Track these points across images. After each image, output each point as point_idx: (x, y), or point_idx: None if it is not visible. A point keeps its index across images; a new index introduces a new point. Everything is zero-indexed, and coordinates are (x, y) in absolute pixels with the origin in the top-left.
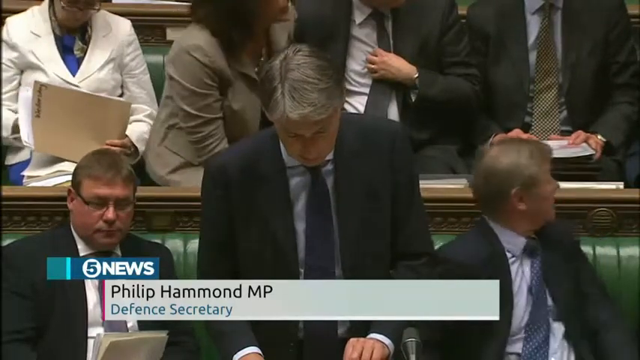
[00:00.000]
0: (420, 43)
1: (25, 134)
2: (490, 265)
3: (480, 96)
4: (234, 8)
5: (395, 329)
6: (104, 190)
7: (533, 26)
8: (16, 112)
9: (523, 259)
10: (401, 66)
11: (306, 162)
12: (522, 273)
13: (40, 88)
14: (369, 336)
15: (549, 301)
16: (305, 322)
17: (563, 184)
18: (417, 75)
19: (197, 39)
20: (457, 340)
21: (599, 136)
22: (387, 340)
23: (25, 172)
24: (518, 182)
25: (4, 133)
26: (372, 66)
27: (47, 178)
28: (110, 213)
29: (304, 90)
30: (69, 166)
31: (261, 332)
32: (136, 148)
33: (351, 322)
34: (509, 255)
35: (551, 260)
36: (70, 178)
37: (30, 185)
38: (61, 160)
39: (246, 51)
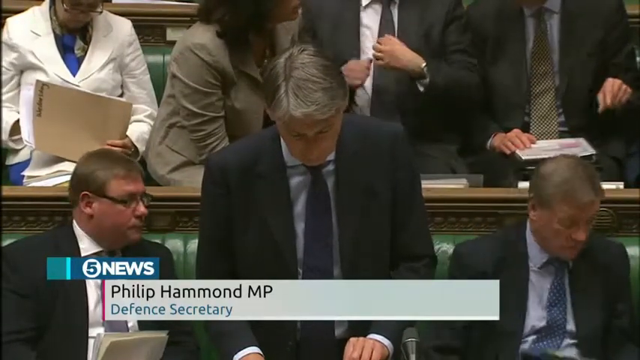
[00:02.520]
0: (425, 30)
1: (26, 133)
2: (508, 268)
3: (480, 87)
4: (252, 9)
5: (394, 330)
6: (132, 186)
7: (531, 29)
8: (17, 112)
9: (545, 272)
10: (409, 55)
11: (308, 162)
12: (541, 287)
13: (41, 87)
14: (368, 336)
15: (569, 322)
16: (302, 322)
17: None
18: (424, 64)
19: (201, 38)
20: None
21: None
22: (386, 341)
23: (25, 172)
24: (535, 197)
25: (4, 136)
26: (379, 54)
27: (47, 178)
28: (142, 207)
29: (308, 89)
30: (69, 166)
31: (260, 333)
32: (136, 148)
33: (349, 322)
34: (531, 265)
35: (584, 287)
36: (69, 177)
37: (30, 185)
38: (61, 160)
39: (250, 51)
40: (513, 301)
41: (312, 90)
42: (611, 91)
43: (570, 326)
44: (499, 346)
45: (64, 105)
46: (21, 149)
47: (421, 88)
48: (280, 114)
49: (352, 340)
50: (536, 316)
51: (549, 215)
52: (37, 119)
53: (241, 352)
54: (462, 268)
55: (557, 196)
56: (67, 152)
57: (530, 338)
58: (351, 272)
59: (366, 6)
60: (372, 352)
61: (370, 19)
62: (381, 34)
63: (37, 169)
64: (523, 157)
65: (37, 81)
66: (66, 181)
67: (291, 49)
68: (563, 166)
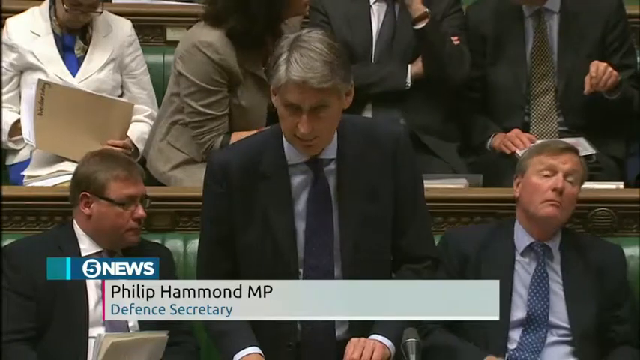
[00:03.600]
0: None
1: (27, 132)
2: (493, 254)
3: (468, 70)
4: (264, 14)
5: (396, 331)
6: (132, 189)
7: (530, 30)
8: (17, 113)
9: (529, 259)
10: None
11: (303, 146)
12: (525, 276)
13: (43, 86)
14: (370, 337)
15: (554, 314)
16: (303, 323)
17: None
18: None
19: (208, 36)
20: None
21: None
22: (387, 342)
23: (25, 172)
24: (518, 174)
25: (3, 137)
26: None
27: (47, 178)
28: (141, 210)
29: (309, 57)
30: (69, 166)
31: (260, 333)
32: (136, 148)
33: (349, 323)
34: (516, 252)
35: (576, 283)
36: (69, 178)
37: (30, 185)
38: (61, 159)
39: (256, 51)
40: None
41: (312, 59)
42: (596, 74)
43: (562, 322)
44: (487, 334)
45: (66, 104)
46: (21, 149)
47: (420, 25)
48: (278, 79)
49: (353, 340)
50: (519, 306)
51: (528, 176)
52: (38, 118)
53: (242, 351)
54: (445, 249)
55: (532, 154)
56: (67, 152)
57: (516, 332)
58: (352, 272)
59: (373, 3)
60: (372, 352)
61: (374, 15)
62: (381, 29)
63: (37, 169)
64: None
65: (39, 80)
66: (66, 181)
67: (302, 31)
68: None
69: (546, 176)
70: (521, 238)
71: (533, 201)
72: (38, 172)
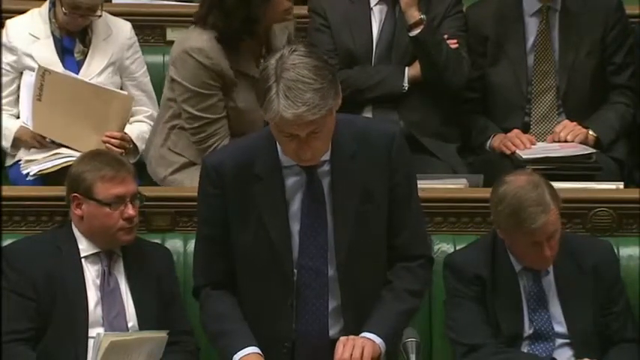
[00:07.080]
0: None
1: (26, 116)
2: (499, 271)
3: (465, 74)
4: (243, 15)
5: (387, 328)
6: (120, 188)
7: (532, 28)
8: (16, 116)
9: (525, 277)
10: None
11: (302, 162)
12: (523, 289)
13: (43, 72)
14: (361, 335)
15: (558, 324)
16: (297, 323)
17: (563, 184)
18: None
19: (198, 41)
20: None
21: (591, 132)
22: (378, 339)
23: (23, 157)
24: (494, 222)
25: (4, 144)
26: None
27: (44, 162)
28: (131, 209)
29: (298, 89)
30: (66, 150)
31: (256, 334)
32: (135, 146)
33: (343, 322)
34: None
35: (572, 287)
36: (67, 160)
37: (27, 170)
38: (58, 145)
39: (247, 52)
40: (509, 303)
41: (302, 91)
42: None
43: (560, 328)
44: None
45: (65, 93)
46: (20, 149)
47: (415, 32)
48: (272, 115)
49: (342, 339)
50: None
51: (511, 240)
52: (36, 103)
53: (241, 351)
54: (457, 274)
55: (510, 226)
56: (64, 138)
57: (524, 345)
58: (346, 272)
59: (374, 6)
60: (362, 350)
61: (374, 18)
62: (382, 31)
63: (34, 153)
64: (523, 157)
65: (40, 67)
66: (64, 162)
67: (282, 50)
68: (511, 192)
69: (531, 247)
70: (516, 262)
71: (524, 260)
72: (35, 156)
